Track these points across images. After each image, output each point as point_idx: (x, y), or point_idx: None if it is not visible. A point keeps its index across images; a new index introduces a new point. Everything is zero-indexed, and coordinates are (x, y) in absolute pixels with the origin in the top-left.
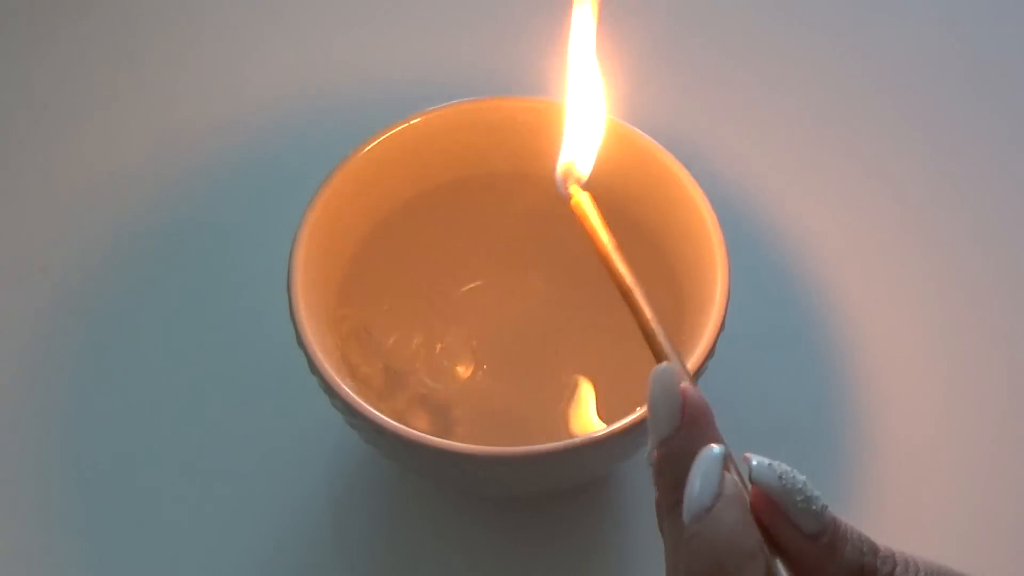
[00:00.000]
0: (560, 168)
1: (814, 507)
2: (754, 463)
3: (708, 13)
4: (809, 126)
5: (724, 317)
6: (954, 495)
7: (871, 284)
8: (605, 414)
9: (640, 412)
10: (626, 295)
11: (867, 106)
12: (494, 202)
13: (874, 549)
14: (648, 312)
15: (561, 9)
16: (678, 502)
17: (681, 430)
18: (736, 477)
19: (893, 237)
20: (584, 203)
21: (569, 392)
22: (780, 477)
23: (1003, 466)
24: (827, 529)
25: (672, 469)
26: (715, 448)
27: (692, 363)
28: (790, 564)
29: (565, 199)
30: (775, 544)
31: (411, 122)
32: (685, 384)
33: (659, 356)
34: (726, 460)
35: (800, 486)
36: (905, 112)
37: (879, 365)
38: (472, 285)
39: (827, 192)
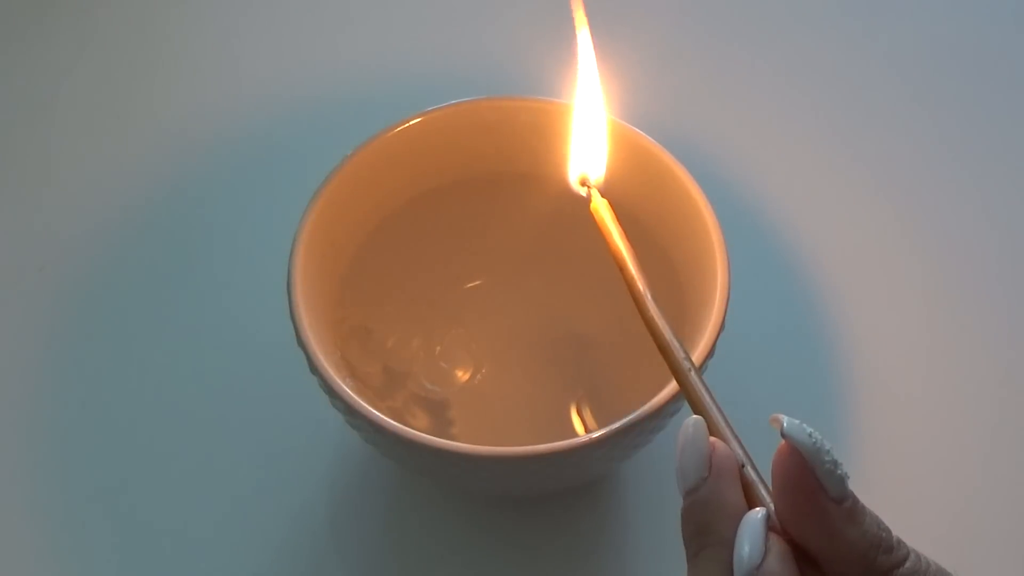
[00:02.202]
0: (577, 174)
1: (839, 472)
2: (785, 421)
3: (708, 13)
4: (809, 126)
5: (724, 317)
6: (954, 494)
7: (871, 283)
8: (604, 415)
9: (639, 412)
10: (640, 306)
11: (868, 106)
12: (494, 203)
13: (889, 531)
14: (662, 325)
15: (562, 10)
16: (702, 547)
17: (707, 481)
18: (779, 537)
19: (893, 236)
20: (602, 210)
21: (568, 393)
22: (810, 435)
23: (1002, 466)
24: (850, 496)
25: (696, 517)
26: (758, 512)
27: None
28: (811, 528)
29: (577, 199)
30: (799, 510)
31: (411, 122)
32: (714, 438)
33: (674, 369)
34: (768, 520)
35: (828, 448)
36: (906, 113)
37: (879, 364)
38: (472, 285)
39: (827, 191)
